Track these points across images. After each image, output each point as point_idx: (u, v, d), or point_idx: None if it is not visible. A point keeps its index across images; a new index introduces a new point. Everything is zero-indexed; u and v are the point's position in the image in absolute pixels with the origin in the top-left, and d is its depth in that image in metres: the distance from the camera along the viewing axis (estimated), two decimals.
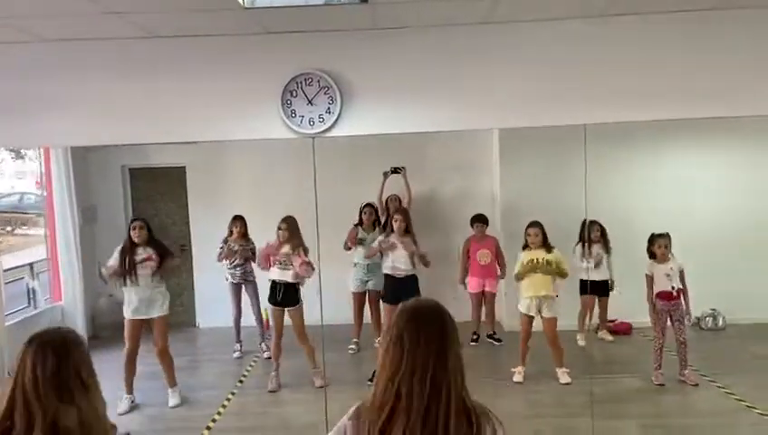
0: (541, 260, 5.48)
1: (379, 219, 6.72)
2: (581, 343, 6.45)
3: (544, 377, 5.56)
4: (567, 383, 5.44)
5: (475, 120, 4.01)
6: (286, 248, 5.57)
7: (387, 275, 5.69)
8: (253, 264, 6.51)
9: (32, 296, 6.99)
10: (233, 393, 5.63)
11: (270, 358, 5.94)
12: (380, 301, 6.00)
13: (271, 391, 5.60)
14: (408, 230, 5.64)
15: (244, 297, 6.71)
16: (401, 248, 5.58)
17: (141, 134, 4.03)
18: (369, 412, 1.60)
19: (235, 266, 6.54)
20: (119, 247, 5.30)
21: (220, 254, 6.51)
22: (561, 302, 5.76)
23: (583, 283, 6.30)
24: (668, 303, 5.37)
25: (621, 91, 3.85)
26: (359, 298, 6.65)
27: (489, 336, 6.69)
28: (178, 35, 3.82)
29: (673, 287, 5.36)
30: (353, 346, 6.59)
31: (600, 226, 6.35)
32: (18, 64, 3.98)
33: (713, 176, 6.86)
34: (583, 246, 6.26)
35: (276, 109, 3.87)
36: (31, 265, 7.20)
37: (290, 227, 5.56)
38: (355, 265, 6.60)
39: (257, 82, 3.88)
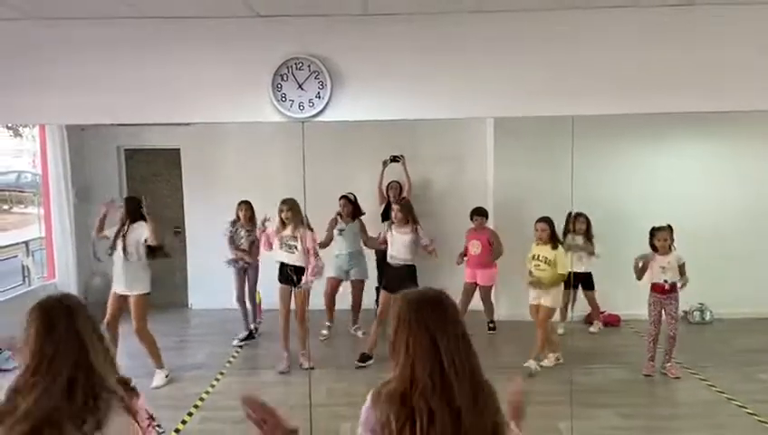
0: (540, 257, 5.53)
1: (358, 209, 6.70)
2: (561, 331, 6.49)
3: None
4: (530, 375, 5.44)
5: (464, 109, 4.02)
6: (290, 230, 5.62)
7: (386, 264, 5.78)
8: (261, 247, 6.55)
9: (27, 273, 7.06)
10: (221, 374, 5.70)
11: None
12: (380, 288, 6.05)
13: (281, 372, 5.66)
14: (409, 220, 5.69)
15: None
16: (399, 238, 5.64)
17: (133, 114, 4.04)
18: (392, 399, 1.62)
19: (242, 250, 6.56)
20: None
21: (230, 238, 6.58)
22: None
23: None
24: (662, 295, 5.42)
25: (610, 83, 3.87)
26: (334, 284, 6.66)
27: (487, 325, 6.81)
28: (171, 16, 3.83)
29: (665, 281, 5.38)
30: (325, 332, 6.62)
31: (586, 218, 6.38)
32: (13, 42, 3.99)
33: (701, 170, 6.91)
34: (564, 237, 6.31)
35: (266, 92, 3.89)
36: (26, 243, 7.25)
37: (292, 209, 5.60)
38: (336, 256, 6.63)
39: (248, 65, 3.89)
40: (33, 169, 9.68)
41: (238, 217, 6.58)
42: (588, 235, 6.39)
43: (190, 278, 7.76)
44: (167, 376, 5.46)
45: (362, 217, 6.73)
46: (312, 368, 5.56)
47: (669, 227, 5.47)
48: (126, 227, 5.31)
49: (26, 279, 7.03)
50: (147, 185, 7.73)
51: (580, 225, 6.34)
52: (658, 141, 6.75)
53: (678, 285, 5.42)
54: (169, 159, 7.69)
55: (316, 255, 5.67)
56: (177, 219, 7.73)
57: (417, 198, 7.30)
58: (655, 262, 5.44)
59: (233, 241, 6.59)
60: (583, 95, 3.90)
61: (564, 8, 3.77)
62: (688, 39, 3.81)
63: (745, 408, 4.72)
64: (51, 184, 6.94)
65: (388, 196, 7.09)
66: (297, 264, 5.63)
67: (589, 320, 6.87)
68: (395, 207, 5.74)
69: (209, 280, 7.45)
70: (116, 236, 5.33)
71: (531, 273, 5.60)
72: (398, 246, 5.67)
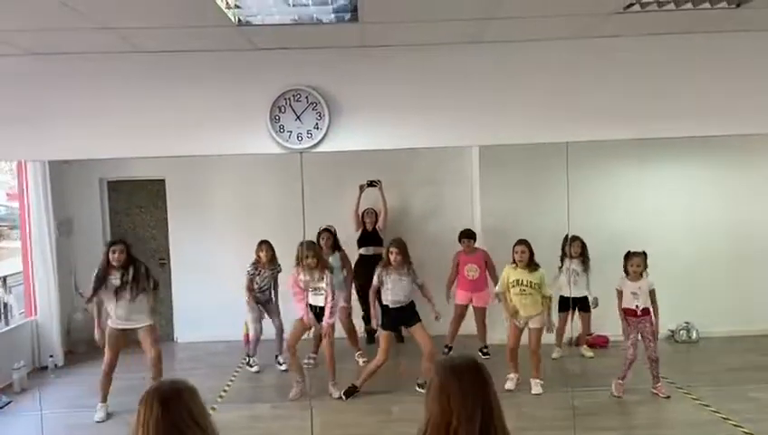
0: (526, 282, 5.55)
1: (337, 242, 6.64)
2: (555, 355, 6.55)
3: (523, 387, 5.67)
4: (537, 394, 5.54)
5: (461, 137, 4.09)
6: (316, 274, 5.60)
7: (385, 307, 5.63)
8: (281, 287, 6.45)
9: (5, 311, 6.85)
10: (213, 408, 5.58)
11: (287, 370, 6.10)
12: (379, 328, 5.85)
13: (292, 399, 5.63)
14: (405, 261, 5.56)
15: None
16: (400, 280, 5.52)
17: (130, 148, 4.02)
18: None
19: (262, 291, 6.46)
20: (95, 272, 5.24)
21: (249, 281, 6.40)
22: None
23: (562, 298, 6.38)
24: (634, 319, 5.48)
25: (603, 110, 3.97)
26: None
27: (480, 350, 6.72)
28: (167, 51, 3.83)
29: (637, 306, 5.45)
30: (311, 360, 6.49)
31: (582, 242, 6.42)
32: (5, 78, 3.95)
33: (687, 193, 7.05)
34: (562, 261, 6.35)
35: (265, 124, 3.90)
36: (4, 278, 7.06)
37: (317, 255, 5.61)
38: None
39: (246, 97, 3.91)
40: (8, 203, 9.47)
41: (259, 257, 6.39)
42: (584, 258, 6.45)
43: (175, 311, 7.62)
44: None
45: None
46: (341, 398, 5.56)
47: (644, 253, 5.53)
48: (126, 273, 5.18)
49: (5, 317, 6.83)
50: (130, 217, 7.63)
51: (575, 248, 6.36)
52: (645, 163, 6.86)
53: (651, 310, 5.48)
54: (153, 190, 7.59)
55: (333, 294, 5.66)
56: (162, 251, 7.61)
57: (403, 221, 7.34)
58: (626, 287, 5.52)
59: (252, 284, 6.40)
60: (577, 122, 3.99)
61: (560, 38, 3.86)
62: (681, 66, 3.94)
63: (741, 427, 4.76)
64: (32, 217, 6.77)
65: (365, 222, 7.08)
66: (322, 305, 5.61)
67: (579, 342, 6.90)
68: (392, 249, 5.55)
69: (195, 313, 7.33)
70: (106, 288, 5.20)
71: (510, 299, 5.63)
72: (398, 290, 5.53)
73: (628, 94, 3.99)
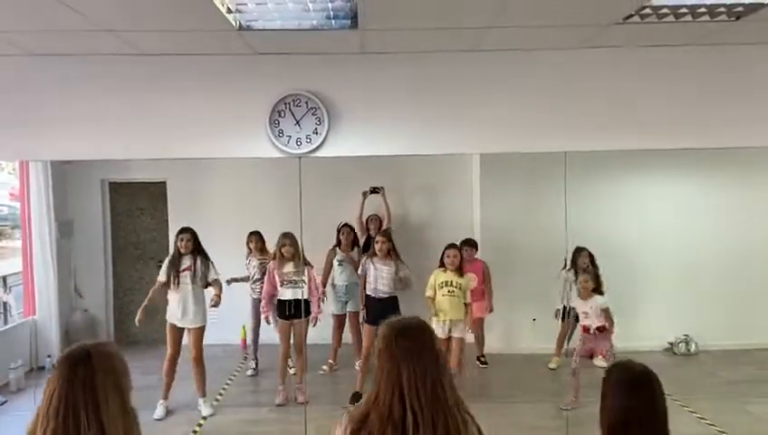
0: (455, 283, 5.42)
1: (357, 239, 6.71)
2: (552, 365, 6.52)
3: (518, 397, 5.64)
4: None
5: (458, 145, 4.09)
6: (293, 266, 5.59)
7: (368, 297, 5.67)
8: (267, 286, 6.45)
9: (4, 310, 6.87)
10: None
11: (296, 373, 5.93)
12: (362, 323, 5.89)
13: (279, 405, 5.62)
14: (392, 250, 5.62)
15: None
16: (384, 271, 5.58)
17: (128, 150, 4.04)
18: (353, 418, 1.67)
19: (255, 281, 6.47)
20: (167, 259, 5.53)
21: (250, 276, 6.47)
22: (542, 325, 5.75)
23: (564, 308, 6.34)
24: (590, 335, 5.43)
25: (602, 120, 3.97)
26: (338, 320, 6.64)
27: (478, 359, 6.71)
28: (168, 54, 3.85)
29: (589, 327, 5.41)
30: (325, 367, 6.55)
31: (590, 253, 6.30)
32: (2, 77, 3.97)
33: (688, 205, 7.03)
34: (576, 273, 6.24)
35: (264, 128, 3.92)
36: (4, 277, 7.08)
37: (294, 243, 5.57)
38: (333, 286, 6.60)
39: (246, 101, 3.92)
40: (11, 202, 9.51)
41: (250, 249, 6.48)
42: (594, 269, 6.38)
43: None
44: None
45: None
46: (308, 402, 5.50)
47: (590, 271, 5.49)
48: (193, 259, 5.42)
49: (3, 316, 6.84)
50: (131, 218, 7.66)
51: (583, 259, 6.21)
52: (646, 174, 6.84)
53: (608, 327, 5.39)
54: (155, 193, 7.62)
55: (317, 290, 5.73)
56: (162, 253, 7.59)
57: (401, 229, 7.30)
58: (579, 306, 5.49)
59: (247, 275, 6.49)
60: (576, 132, 3.99)
61: (559, 48, 3.87)
62: (680, 78, 3.95)
63: None
64: (33, 218, 6.80)
65: (368, 228, 7.06)
66: (300, 298, 5.55)
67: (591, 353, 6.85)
68: (379, 238, 5.65)
69: None
70: (173, 273, 5.38)
71: (434, 301, 5.46)
72: (383, 278, 5.59)
73: (627, 105, 3.99)
